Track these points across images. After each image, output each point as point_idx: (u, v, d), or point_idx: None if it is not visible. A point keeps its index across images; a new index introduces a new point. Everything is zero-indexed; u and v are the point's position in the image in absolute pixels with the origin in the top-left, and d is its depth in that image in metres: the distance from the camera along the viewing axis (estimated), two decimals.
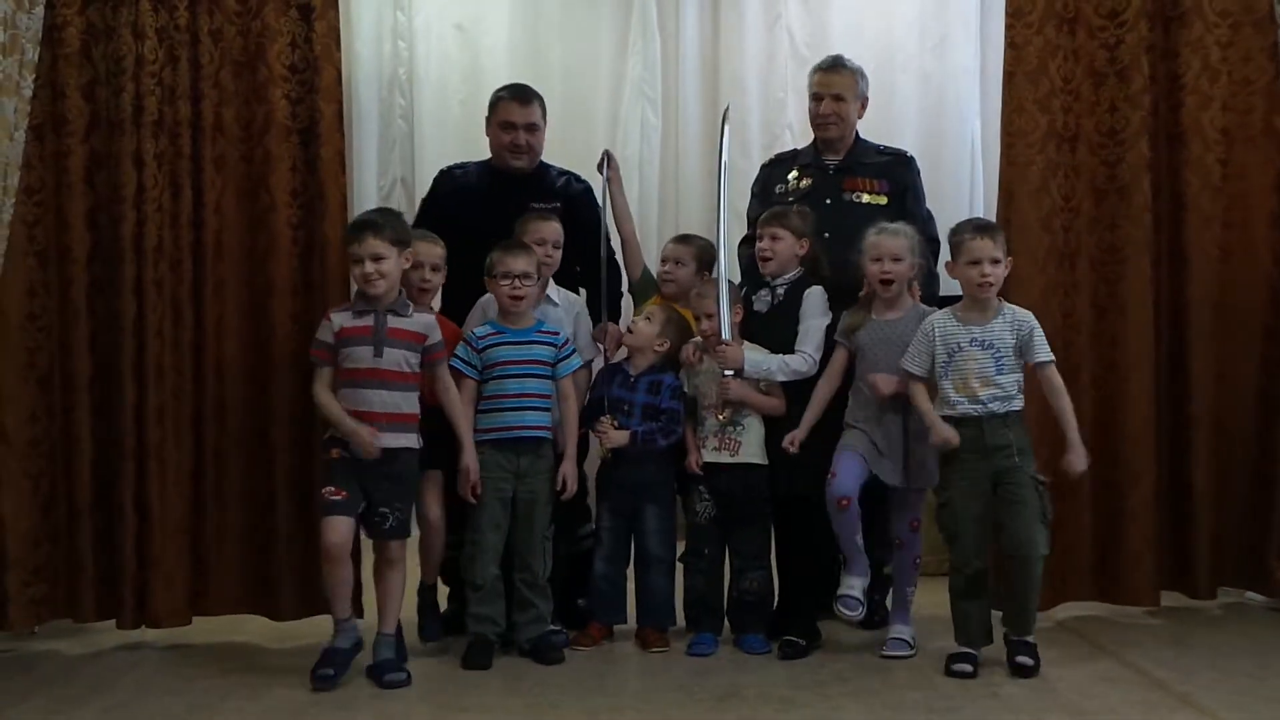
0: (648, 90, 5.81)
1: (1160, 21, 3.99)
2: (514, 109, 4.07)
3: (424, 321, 3.53)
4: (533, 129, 4.09)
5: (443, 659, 3.64)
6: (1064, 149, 3.95)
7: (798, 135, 5.65)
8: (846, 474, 3.57)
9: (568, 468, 3.69)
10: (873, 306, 3.72)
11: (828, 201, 4.05)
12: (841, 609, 3.61)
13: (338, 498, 3.38)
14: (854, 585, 3.63)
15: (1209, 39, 3.97)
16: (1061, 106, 3.94)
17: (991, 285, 3.47)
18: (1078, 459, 3.48)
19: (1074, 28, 3.95)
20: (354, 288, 3.57)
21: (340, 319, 3.46)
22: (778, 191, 4.15)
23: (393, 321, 3.46)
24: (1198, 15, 3.97)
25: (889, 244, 3.65)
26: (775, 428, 3.74)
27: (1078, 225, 3.96)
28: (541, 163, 4.17)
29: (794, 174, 4.17)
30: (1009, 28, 3.96)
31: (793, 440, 3.66)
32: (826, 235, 3.90)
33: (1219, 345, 4.03)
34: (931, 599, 3.77)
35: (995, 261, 3.46)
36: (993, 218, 4.00)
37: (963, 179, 5.66)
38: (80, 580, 3.72)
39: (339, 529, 3.38)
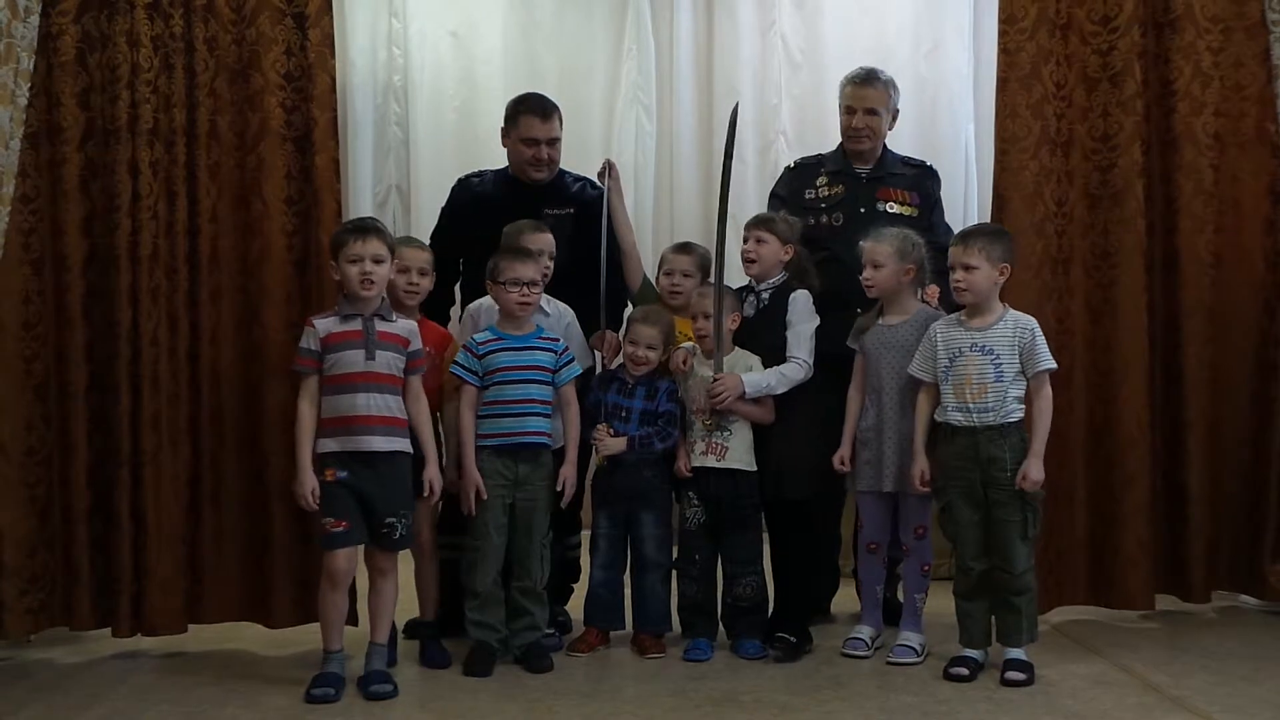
0: (642, 96, 5.82)
1: (1152, 27, 4.01)
2: (536, 124, 4.08)
3: (407, 327, 3.54)
4: (554, 143, 4.11)
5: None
6: (1057, 154, 3.96)
7: (791, 142, 5.68)
8: (872, 519, 3.74)
9: (569, 470, 3.69)
10: (882, 311, 3.74)
11: (861, 210, 4.07)
12: (847, 649, 3.69)
13: (339, 529, 3.38)
14: (863, 631, 3.73)
15: (1200, 45, 3.99)
16: (1054, 112, 3.95)
17: (964, 291, 3.49)
18: (1034, 470, 3.43)
19: (1066, 33, 3.97)
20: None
21: (326, 325, 3.46)
22: (807, 197, 4.15)
23: (380, 325, 3.47)
24: (1189, 21, 3.99)
25: (871, 249, 3.69)
26: (764, 433, 3.76)
27: (1071, 230, 3.97)
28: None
29: (823, 180, 4.17)
30: (1002, 34, 3.97)
31: (842, 459, 3.73)
32: (861, 243, 3.91)
33: (1212, 350, 4.04)
34: (935, 604, 3.77)
35: (968, 268, 3.47)
36: (987, 223, 4.02)
37: (957, 185, 5.67)
38: (76, 588, 3.72)
39: (345, 557, 3.40)
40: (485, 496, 3.59)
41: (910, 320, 3.69)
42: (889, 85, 4.13)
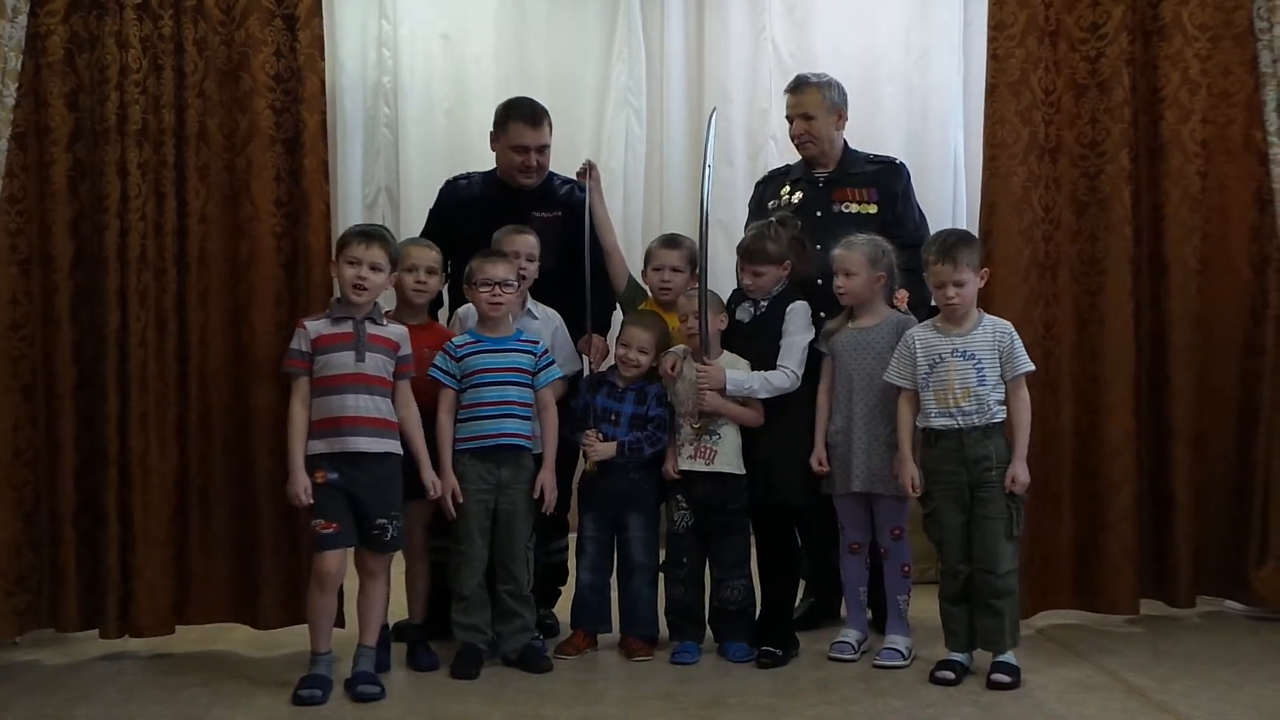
0: (633, 100, 5.83)
1: (1140, 35, 4.02)
2: (526, 132, 4.08)
3: (397, 332, 3.55)
4: (543, 149, 4.11)
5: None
6: (1045, 161, 3.97)
7: (781, 146, 5.67)
8: (850, 520, 3.75)
9: (546, 477, 3.69)
10: (852, 314, 3.75)
11: (818, 214, 4.07)
12: (834, 653, 3.69)
13: (329, 531, 3.38)
14: (849, 635, 3.74)
15: (1188, 52, 4.01)
16: (1043, 119, 3.96)
17: (956, 306, 3.51)
18: (1020, 472, 3.46)
19: (1055, 40, 3.98)
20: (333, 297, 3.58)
21: (316, 326, 3.46)
22: (770, 207, 4.17)
23: (370, 329, 3.48)
24: (1178, 29, 4.01)
25: (842, 258, 3.70)
26: (753, 437, 3.76)
27: (1059, 236, 3.98)
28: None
29: (786, 189, 4.20)
30: (991, 40, 3.98)
31: (819, 459, 3.73)
32: (819, 247, 3.90)
33: (1198, 356, 4.06)
34: (918, 606, 3.77)
35: (959, 284, 3.49)
36: (975, 229, 4.02)
37: (946, 190, 5.69)
38: (63, 590, 3.71)
39: (336, 559, 3.39)
40: (461, 500, 3.59)
41: (882, 324, 3.70)
42: (824, 87, 4.13)
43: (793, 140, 4.21)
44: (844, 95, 4.18)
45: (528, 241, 3.87)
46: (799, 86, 4.16)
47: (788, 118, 4.18)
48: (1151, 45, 4.04)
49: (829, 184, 4.14)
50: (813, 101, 4.11)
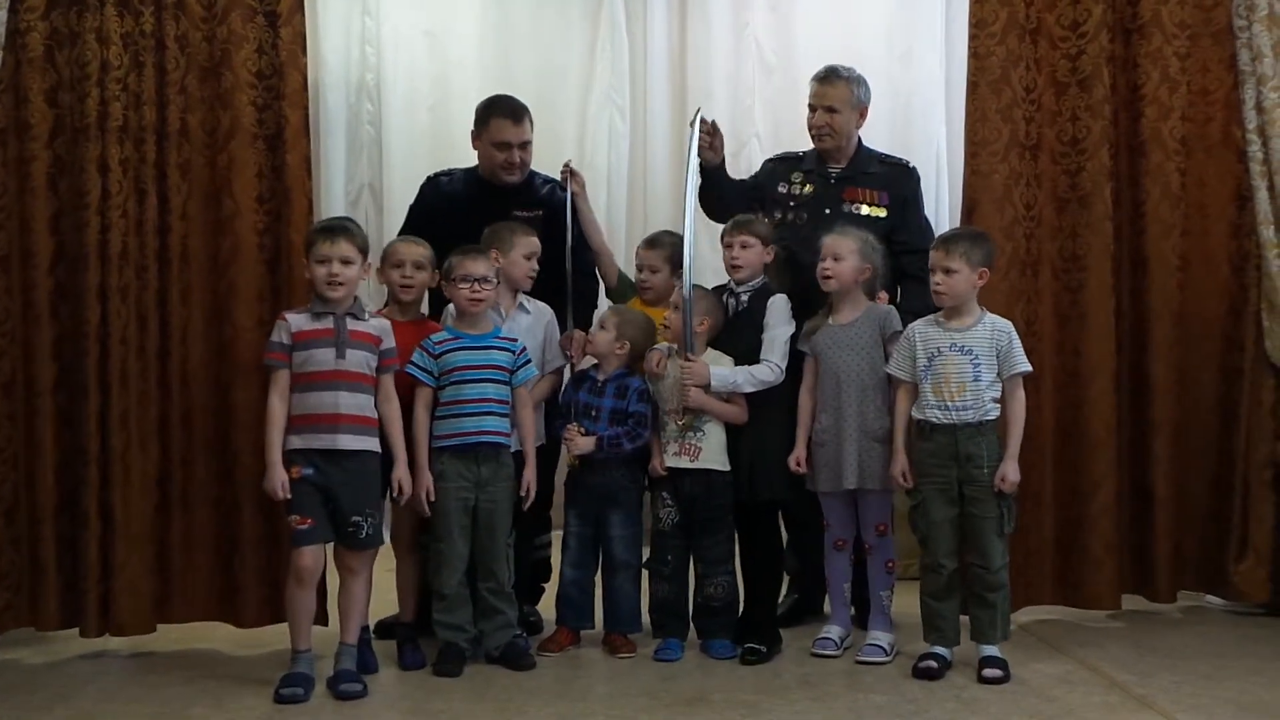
0: (616, 98, 5.82)
1: (1120, 33, 4.05)
2: (507, 128, 4.08)
3: (380, 325, 3.54)
4: (525, 145, 4.11)
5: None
6: (1026, 158, 3.99)
7: (765, 143, 5.68)
8: (836, 517, 3.77)
9: (530, 474, 3.70)
10: (831, 310, 3.76)
11: (827, 211, 4.06)
12: (817, 649, 3.71)
13: (304, 526, 3.37)
14: (832, 631, 3.75)
15: (1168, 50, 4.03)
16: (1024, 116, 3.98)
17: (943, 294, 3.53)
18: (1011, 471, 3.49)
19: (1036, 38, 4.00)
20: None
21: (297, 321, 3.45)
22: (780, 191, 4.16)
23: (352, 324, 3.46)
24: (1157, 27, 4.03)
25: (833, 243, 3.70)
26: (737, 433, 3.76)
27: (1040, 234, 4.00)
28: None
29: (798, 176, 4.17)
30: (972, 38, 4.00)
31: (798, 460, 3.74)
32: (824, 239, 3.89)
33: (1179, 352, 4.09)
34: (901, 602, 3.79)
35: (948, 271, 3.51)
36: (969, 227, 4.03)
37: (929, 188, 5.66)
38: (43, 588, 3.69)
39: (312, 554, 3.39)
40: (434, 499, 3.57)
41: (862, 318, 3.71)
42: (852, 82, 4.09)
43: (810, 130, 4.14)
44: (869, 93, 4.15)
45: (533, 242, 3.88)
46: (828, 77, 4.10)
47: (810, 106, 4.11)
48: (1131, 43, 4.06)
49: (841, 180, 4.12)
50: (840, 95, 4.07)
